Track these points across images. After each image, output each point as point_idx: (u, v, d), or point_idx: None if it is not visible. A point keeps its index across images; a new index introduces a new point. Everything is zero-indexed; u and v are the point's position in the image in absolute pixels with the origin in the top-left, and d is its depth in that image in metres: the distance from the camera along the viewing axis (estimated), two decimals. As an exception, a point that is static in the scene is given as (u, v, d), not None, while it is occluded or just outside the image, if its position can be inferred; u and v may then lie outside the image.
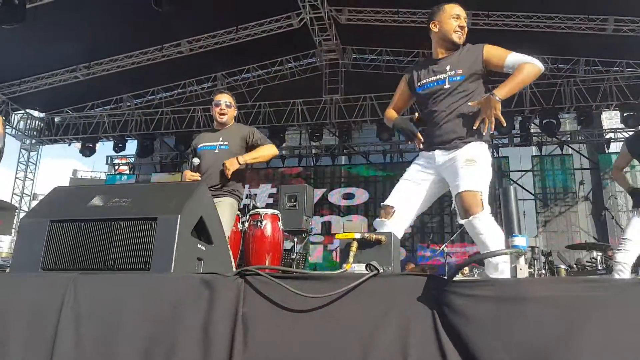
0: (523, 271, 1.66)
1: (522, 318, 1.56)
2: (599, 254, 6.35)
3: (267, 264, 4.96)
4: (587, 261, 7.02)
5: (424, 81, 3.04)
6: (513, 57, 2.87)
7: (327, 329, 1.72)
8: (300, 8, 10.58)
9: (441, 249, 8.61)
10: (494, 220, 2.71)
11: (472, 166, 2.77)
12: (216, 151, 4.22)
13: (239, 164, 4.08)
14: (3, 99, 12.79)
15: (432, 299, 1.71)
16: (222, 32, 11.35)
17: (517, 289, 1.60)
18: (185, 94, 13.35)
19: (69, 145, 14.50)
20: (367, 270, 1.81)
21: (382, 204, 2.95)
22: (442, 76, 2.96)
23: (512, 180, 12.58)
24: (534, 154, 12.91)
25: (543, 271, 5.83)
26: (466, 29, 3.02)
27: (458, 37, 2.98)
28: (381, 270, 1.80)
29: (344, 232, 2.01)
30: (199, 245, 2.26)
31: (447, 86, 2.92)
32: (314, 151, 14.14)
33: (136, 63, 11.86)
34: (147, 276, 1.99)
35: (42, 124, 14.37)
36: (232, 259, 3.06)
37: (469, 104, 2.85)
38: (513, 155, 13.11)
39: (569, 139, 12.94)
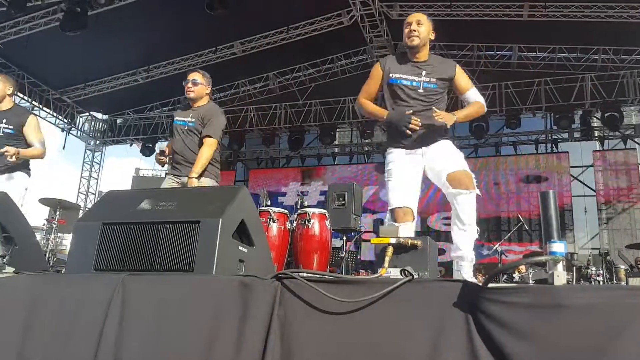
0: (560, 278, 1.62)
1: (558, 326, 1.54)
2: (662, 254, 6.06)
3: (315, 263, 5.01)
4: (650, 261, 6.70)
5: (398, 75, 3.37)
6: (474, 91, 3.43)
7: (361, 333, 1.75)
8: (351, 5, 10.55)
9: (495, 247, 8.40)
10: None
11: (461, 156, 3.32)
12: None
13: None
14: (69, 102, 13.46)
15: (466, 305, 1.70)
16: (274, 32, 11.48)
17: (553, 296, 1.57)
18: (238, 94, 13.59)
19: (130, 145, 15.09)
20: (401, 275, 1.82)
21: (399, 206, 3.24)
22: (417, 79, 3.34)
23: (573, 176, 12.11)
24: (595, 149, 12.36)
25: (601, 271, 5.62)
26: (417, 31, 3.33)
27: (410, 41, 3.34)
28: (416, 276, 1.80)
29: (380, 237, 2.02)
30: (240, 248, 2.33)
31: (420, 90, 3.32)
32: (365, 149, 14.10)
33: (192, 65, 12.15)
34: (190, 277, 2.08)
35: (105, 126, 15.04)
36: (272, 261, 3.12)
37: (434, 113, 3.19)
38: (573, 150, 12.60)
39: (632, 132, 12.31)
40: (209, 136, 4.26)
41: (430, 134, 3.30)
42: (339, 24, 11.23)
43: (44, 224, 8.10)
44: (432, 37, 3.43)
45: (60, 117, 13.71)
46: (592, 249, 9.65)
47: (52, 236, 7.73)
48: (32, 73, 12.21)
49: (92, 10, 9.00)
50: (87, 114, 14.59)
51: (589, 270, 5.96)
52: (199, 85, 4.38)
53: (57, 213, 7.83)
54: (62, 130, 13.99)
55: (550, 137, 12.71)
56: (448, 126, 3.21)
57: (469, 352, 1.63)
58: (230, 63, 12.05)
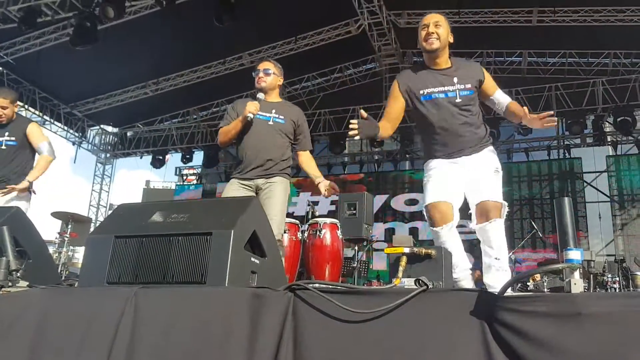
0: (577, 286, 1.59)
1: (577, 334, 1.51)
2: (679, 259, 5.97)
3: (327, 273, 4.99)
4: (667, 267, 6.60)
5: (429, 90, 3.06)
6: (501, 91, 3.13)
7: (375, 343, 1.72)
8: (359, 14, 10.58)
9: (509, 255, 8.31)
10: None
11: (497, 177, 2.97)
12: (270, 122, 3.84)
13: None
14: (80, 116, 13.58)
15: (483, 315, 1.68)
16: (282, 43, 11.53)
17: (571, 304, 1.54)
18: (247, 105, 13.64)
19: (141, 158, 15.17)
20: (416, 285, 1.79)
21: (435, 201, 2.92)
22: (451, 88, 3.04)
23: (586, 182, 11.99)
24: (608, 154, 12.24)
25: (617, 278, 5.56)
26: (436, 34, 3.03)
27: (429, 44, 3.04)
28: (430, 286, 1.78)
29: (393, 246, 2.00)
30: (252, 259, 2.31)
31: (458, 100, 3.02)
32: (375, 157, 14.08)
33: (201, 77, 12.26)
34: (202, 289, 2.06)
35: (115, 139, 15.15)
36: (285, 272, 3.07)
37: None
38: (586, 155, 12.49)
39: (646, 136, 12.18)
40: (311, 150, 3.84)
41: (470, 142, 3.03)
42: (346, 33, 11.26)
43: (56, 238, 8.15)
44: (451, 40, 3.10)
45: (71, 131, 13.83)
46: (607, 255, 9.52)
47: (64, 249, 7.78)
48: (43, 88, 12.35)
49: (101, 24, 9.09)
50: (98, 127, 14.70)
51: (605, 278, 5.89)
52: (271, 75, 3.86)
53: (69, 226, 7.88)
54: (73, 143, 14.12)
55: (562, 143, 12.61)
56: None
57: (487, 363, 1.60)
58: (239, 74, 12.10)
